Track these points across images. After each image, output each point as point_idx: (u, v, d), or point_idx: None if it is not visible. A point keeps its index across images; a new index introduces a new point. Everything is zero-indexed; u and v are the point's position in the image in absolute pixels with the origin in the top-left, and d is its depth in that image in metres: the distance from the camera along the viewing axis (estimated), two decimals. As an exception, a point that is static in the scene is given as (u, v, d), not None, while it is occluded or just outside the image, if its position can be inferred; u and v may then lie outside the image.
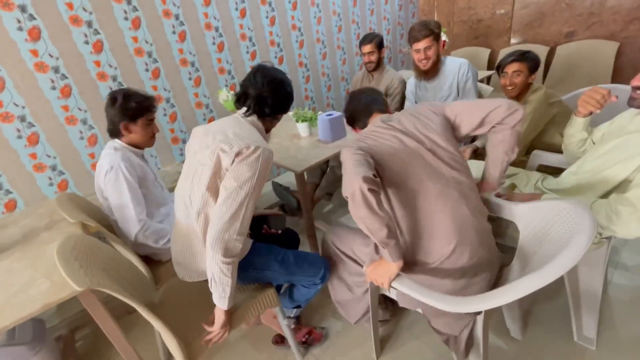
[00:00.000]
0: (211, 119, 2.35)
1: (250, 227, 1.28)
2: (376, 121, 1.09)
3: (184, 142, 2.28)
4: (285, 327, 1.25)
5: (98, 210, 1.41)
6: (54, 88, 1.71)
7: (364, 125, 1.15)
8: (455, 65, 1.85)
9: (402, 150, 0.98)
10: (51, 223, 1.29)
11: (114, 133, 1.31)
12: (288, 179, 2.82)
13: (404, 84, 2.30)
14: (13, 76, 1.59)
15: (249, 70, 2.42)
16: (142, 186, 1.32)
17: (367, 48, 2.18)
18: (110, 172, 1.22)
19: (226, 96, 1.89)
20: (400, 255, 0.90)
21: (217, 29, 2.21)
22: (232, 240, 0.90)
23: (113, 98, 1.25)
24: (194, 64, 2.16)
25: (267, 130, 1.13)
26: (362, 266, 1.14)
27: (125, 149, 1.31)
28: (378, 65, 2.26)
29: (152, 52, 1.97)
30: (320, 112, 1.74)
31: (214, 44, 2.22)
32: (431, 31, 1.71)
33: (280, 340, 1.41)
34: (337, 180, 2.28)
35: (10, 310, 0.87)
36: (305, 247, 1.91)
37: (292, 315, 1.37)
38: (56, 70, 1.70)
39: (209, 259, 0.91)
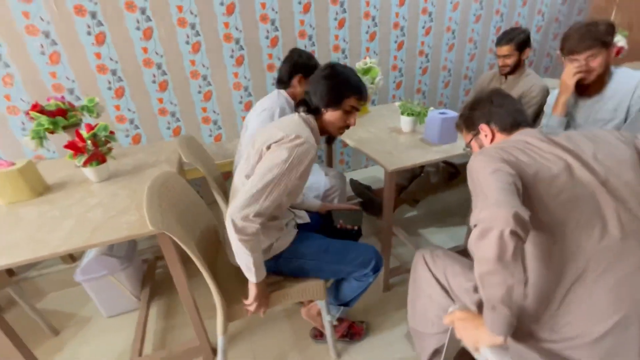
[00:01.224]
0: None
1: (325, 220, 1.26)
2: (526, 133, 0.82)
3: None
4: (327, 324, 1.19)
5: (209, 159, 1.49)
6: (187, 43, 1.89)
7: (492, 138, 0.90)
8: (630, 81, 1.35)
9: (566, 180, 0.70)
10: (157, 162, 1.43)
11: (281, 82, 1.45)
12: (368, 175, 2.66)
13: (545, 95, 1.85)
14: (160, 29, 1.81)
15: (364, 52, 2.33)
16: None
17: (505, 50, 1.78)
18: (265, 111, 1.35)
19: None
20: (507, 331, 0.65)
21: (341, 4, 2.12)
22: (248, 219, 0.85)
23: (293, 53, 1.42)
24: (311, 38, 2.13)
25: (324, 130, 1.06)
26: (452, 301, 0.93)
27: (286, 99, 1.42)
28: (515, 69, 1.86)
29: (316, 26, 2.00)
30: (431, 108, 1.51)
31: (335, 19, 2.14)
32: (597, 41, 1.26)
33: (319, 334, 1.34)
34: (430, 189, 2.01)
35: (104, 230, 0.96)
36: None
37: (337, 315, 1.25)
38: (192, 27, 1.86)
39: (228, 232, 0.88)
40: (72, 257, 1.89)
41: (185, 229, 0.98)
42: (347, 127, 1.05)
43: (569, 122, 1.49)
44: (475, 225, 0.62)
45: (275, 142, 0.92)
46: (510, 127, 0.87)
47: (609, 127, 1.39)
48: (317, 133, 1.04)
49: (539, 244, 0.70)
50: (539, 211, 0.69)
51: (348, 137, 1.57)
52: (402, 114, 1.55)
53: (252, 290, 0.98)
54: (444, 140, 1.40)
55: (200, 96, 2.04)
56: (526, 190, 0.70)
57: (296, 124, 0.98)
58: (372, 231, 2.05)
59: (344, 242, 1.11)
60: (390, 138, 1.52)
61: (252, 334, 1.41)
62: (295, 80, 1.41)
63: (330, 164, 2.23)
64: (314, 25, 2.10)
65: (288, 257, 1.07)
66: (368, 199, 1.97)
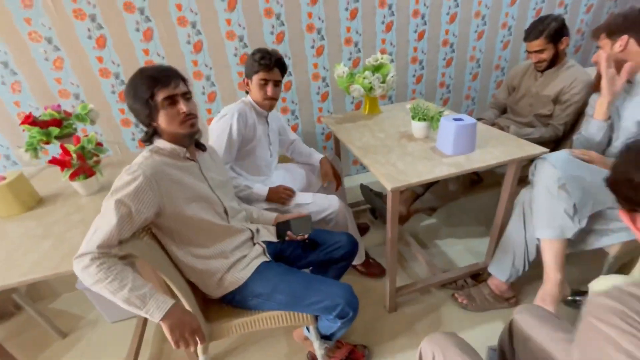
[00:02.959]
0: (324, 95, 2.18)
1: (279, 234, 1.16)
2: None
3: (292, 113, 2.20)
4: (317, 350, 1.11)
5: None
6: (188, 42, 1.81)
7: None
8: None
9: None
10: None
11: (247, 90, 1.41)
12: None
13: (589, 91, 1.57)
14: (160, 29, 1.75)
15: (379, 44, 2.13)
16: (245, 144, 1.38)
17: (535, 45, 1.53)
18: (223, 118, 1.31)
19: (342, 72, 1.65)
20: None
21: (354, -7, 1.93)
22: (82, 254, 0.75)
23: (251, 54, 1.32)
24: (320, 31, 1.98)
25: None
26: None
27: (249, 104, 1.39)
28: (554, 62, 1.60)
29: (281, 14, 1.87)
30: (447, 112, 1.32)
31: (347, 9, 1.96)
32: None
33: (315, 358, 1.24)
34: (447, 196, 1.82)
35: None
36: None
37: (322, 350, 1.15)
38: (193, 25, 1.78)
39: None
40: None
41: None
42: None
43: (614, 123, 1.24)
44: None
45: None
46: None
47: None
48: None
49: None
50: None
51: (351, 143, 1.43)
52: (414, 118, 1.37)
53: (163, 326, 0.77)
54: (459, 150, 1.21)
55: (205, 97, 1.97)
56: None
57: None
58: (383, 238, 1.91)
59: (309, 280, 0.99)
60: (398, 146, 1.35)
61: (245, 352, 1.35)
62: (245, 85, 1.39)
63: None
64: (322, 17, 1.94)
65: (244, 295, 0.99)
66: (379, 206, 1.82)
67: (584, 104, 1.59)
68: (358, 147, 1.39)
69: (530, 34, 1.52)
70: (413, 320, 1.42)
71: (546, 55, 1.55)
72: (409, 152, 1.29)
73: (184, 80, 0.91)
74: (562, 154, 1.15)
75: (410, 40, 2.16)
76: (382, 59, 1.65)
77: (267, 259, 1.08)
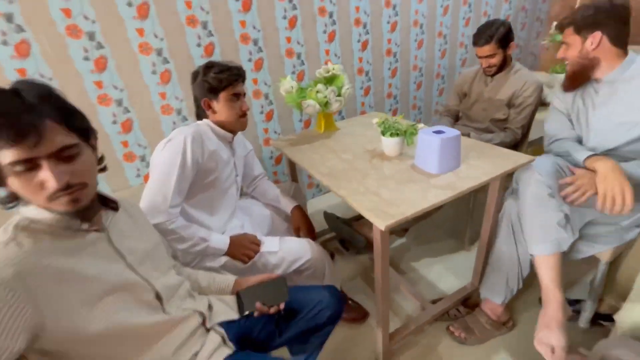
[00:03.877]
0: (269, 113, 1.90)
1: (241, 307, 0.82)
2: None
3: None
4: None
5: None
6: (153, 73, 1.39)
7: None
8: None
9: None
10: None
11: (199, 115, 1.15)
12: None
13: (540, 92, 1.58)
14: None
15: (324, 55, 1.95)
16: (202, 177, 1.06)
17: (486, 50, 1.50)
18: (170, 143, 1.00)
19: (290, 87, 1.41)
20: None
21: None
22: None
23: (194, 73, 1.10)
24: (256, 42, 1.71)
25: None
26: None
27: (207, 126, 1.11)
28: (502, 67, 1.58)
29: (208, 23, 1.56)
30: (421, 125, 1.15)
31: (284, 17, 1.74)
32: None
33: None
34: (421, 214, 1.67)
35: None
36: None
37: None
38: (158, 53, 1.37)
39: None
40: None
41: None
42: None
43: (577, 123, 1.20)
44: None
45: None
46: None
47: None
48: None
49: None
50: None
51: (315, 169, 1.18)
52: (384, 134, 1.18)
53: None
54: (445, 168, 1.04)
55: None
56: None
57: None
58: (358, 270, 1.67)
59: None
60: (372, 168, 1.14)
61: None
62: (205, 108, 1.11)
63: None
64: (258, 26, 1.68)
65: None
66: (350, 236, 1.59)
67: (537, 105, 1.60)
68: (324, 173, 1.14)
69: (480, 39, 1.48)
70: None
71: (496, 60, 1.52)
72: (387, 174, 1.08)
73: (75, 129, 0.56)
74: (546, 161, 1.05)
75: (355, 51, 2.03)
76: (333, 69, 1.45)
77: (230, 350, 0.75)
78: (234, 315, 0.82)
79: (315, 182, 2.26)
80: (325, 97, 1.39)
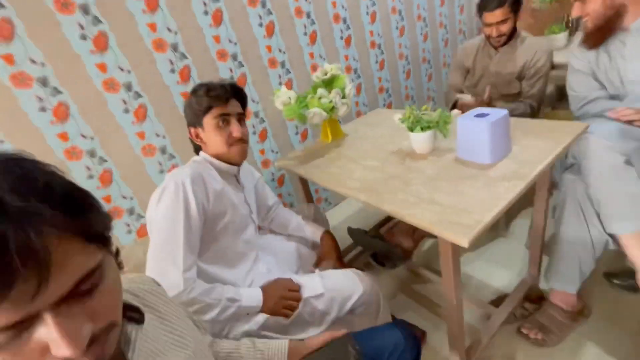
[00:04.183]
0: (262, 133, 1.72)
1: None
2: None
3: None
4: None
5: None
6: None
7: None
8: None
9: None
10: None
11: (196, 150, 0.97)
12: (356, 208, 2.10)
13: (551, 57, 1.47)
14: None
15: (309, 59, 1.79)
16: (212, 225, 0.87)
17: (498, 15, 1.35)
18: (166, 193, 0.80)
19: (288, 98, 1.23)
20: None
21: (263, 4, 1.55)
22: None
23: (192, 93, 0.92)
24: (235, 57, 1.53)
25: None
26: None
27: (206, 162, 0.93)
28: (511, 36, 1.45)
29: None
30: (454, 112, 1.00)
31: (261, 25, 1.57)
32: None
33: None
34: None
35: None
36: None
37: None
38: (127, 88, 1.15)
39: None
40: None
41: None
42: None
43: (607, 78, 1.10)
44: None
45: None
46: None
47: None
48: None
49: None
50: None
51: (342, 186, 1.00)
52: (412, 130, 1.02)
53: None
54: (498, 155, 0.89)
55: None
56: None
57: None
58: (396, 285, 1.50)
59: None
60: (409, 171, 0.97)
61: None
62: (194, 139, 0.95)
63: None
64: (234, 39, 1.50)
65: None
66: (384, 249, 1.42)
67: (548, 75, 1.49)
68: (357, 188, 0.96)
69: (491, 3, 1.34)
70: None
71: (507, 28, 1.40)
72: (433, 175, 0.92)
73: None
74: (606, 125, 0.93)
75: (340, 48, 1.88)
76: (332, 70, 1.28)
77: None
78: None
79: (323, 196, 2.08)
80: (331, 101, 1.22)
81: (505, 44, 1.47)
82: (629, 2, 0.98)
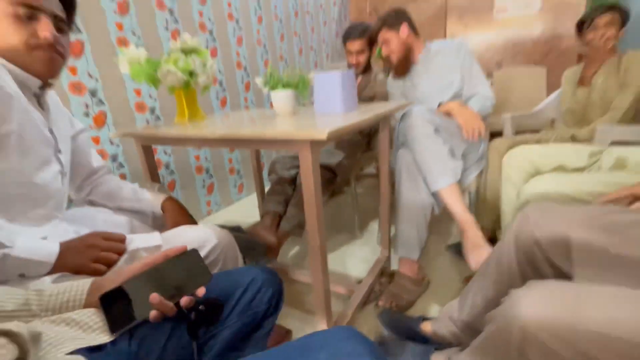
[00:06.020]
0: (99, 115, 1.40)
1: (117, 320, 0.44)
2: None
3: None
4: None
5: None
6: None
7: None
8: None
9: None
10: None
11: None
12: (235, 212, 1.95)
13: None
14: None
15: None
16: None
17: (357, 45, 1.55)
18: None
19: (136, 56, 1.06)
20: None
21: (171, 12, 1.42)
22: None
23: None
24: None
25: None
26: None
27: None
28: (366, 68, 1.68)
29: None
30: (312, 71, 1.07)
31: (167, 29, 1.40)
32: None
33: None
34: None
35: None
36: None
37: None
38: None
39: None
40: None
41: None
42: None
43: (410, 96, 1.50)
44: None
45: None
46: None
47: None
48: None
49: None
50: None
51: (205, 131, 0.87)
52: (273, 88, 1.02)
53: None
54: (349, 106, 0.98)
55: None
56: None
57: None
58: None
59: None
60: (269, 125, 0.94)
61: None
62: None
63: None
64: (137, 33, 1.27)
65: None
66: (244, 243, 1.26)
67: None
68: (215, 132, 0.85)
69: (352, 33, 1.57)
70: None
71: (364, 59, 1.62)
72: (300, 124, 0.91)
73: None
74: (418, 107, 1.18)
75: (232, 45, 1.93)
76: (191, 40, 1.21)
77: None
78: (103, 337, 0.40)
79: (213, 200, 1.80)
80: (189, 64, 1.12)
81: (361, 74, 1.69)
82: (412, 42, 1.41)
